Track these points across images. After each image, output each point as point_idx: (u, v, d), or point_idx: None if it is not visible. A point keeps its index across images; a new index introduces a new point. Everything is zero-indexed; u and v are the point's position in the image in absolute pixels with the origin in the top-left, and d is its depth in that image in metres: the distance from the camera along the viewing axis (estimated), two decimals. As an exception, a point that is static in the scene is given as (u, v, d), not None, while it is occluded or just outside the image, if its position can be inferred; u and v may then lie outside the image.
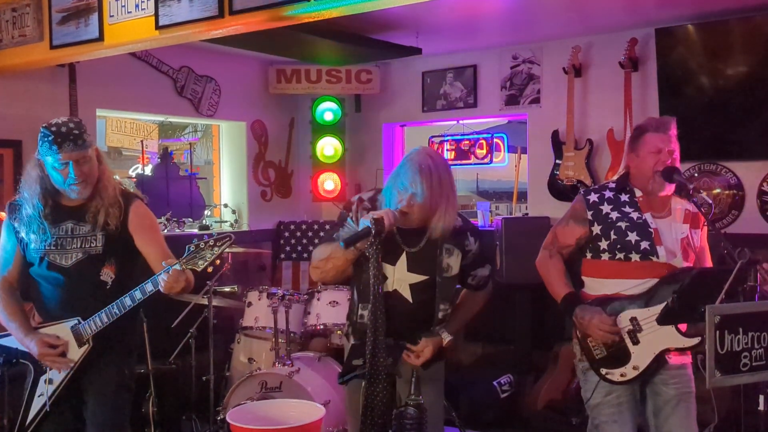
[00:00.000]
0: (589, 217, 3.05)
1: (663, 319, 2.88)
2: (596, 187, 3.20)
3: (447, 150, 6.27)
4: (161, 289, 2.81)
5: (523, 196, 5.95)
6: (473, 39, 5.66)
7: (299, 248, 6.19)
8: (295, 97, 6.50)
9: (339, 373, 3.30)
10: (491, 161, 6.13)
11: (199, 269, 2.75)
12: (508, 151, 6.15)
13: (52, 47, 4.13)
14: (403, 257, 2.96)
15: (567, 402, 4.80)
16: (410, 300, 2.98)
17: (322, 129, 6.35)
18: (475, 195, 10.76)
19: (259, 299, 4.86)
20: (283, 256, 6.23)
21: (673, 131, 3.04)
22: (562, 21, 5.11)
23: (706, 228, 3.10)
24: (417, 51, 5.65)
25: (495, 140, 6.12)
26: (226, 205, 6.28)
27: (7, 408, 3.34)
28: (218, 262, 2.77)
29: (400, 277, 2.97)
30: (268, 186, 6.44)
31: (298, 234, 6.24)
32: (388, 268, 2.95)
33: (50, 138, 2.85)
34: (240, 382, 4.38)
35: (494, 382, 5.30)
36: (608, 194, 3.08)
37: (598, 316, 2.93)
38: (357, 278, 3.02)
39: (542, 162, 5.59)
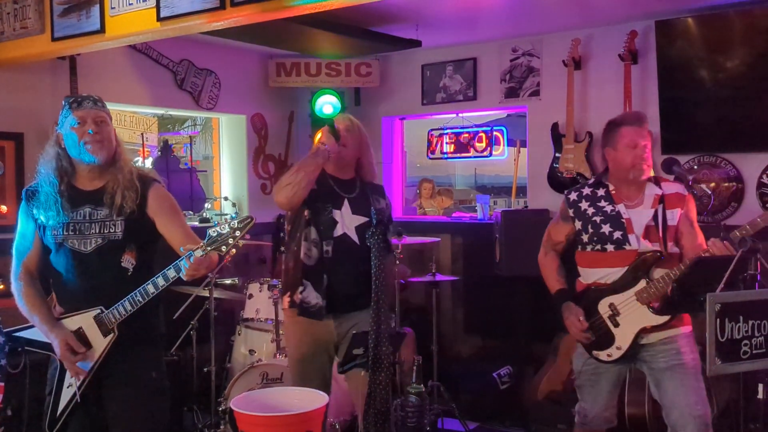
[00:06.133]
0: (571, 215, 3.39)
1: (663, 310, 3.11)
2: (577, 186, 3.49)
3: (446, 143, 6.27)
4: (182, 276, 2.72)
5: (521, 191, 5.96)
6: (473, 31, 5.67)
7: (299, 241, 6.20)
8: (294, 91, 6.51)
9: (339, 362, 3.34)
10: (491, 154, 6.13)
11: (222, 253, 2.66)
12: (508, 145, 6.15)
13: (54, 39, 4.12)
14: (346, 202, 3.42)
15: (567, 393, 4.81)
16: (357, 243, 3.34)
17: (321, 122, 6.30)
18: (474, 189, 10.76)
19: (260, 291, 4.88)
20: (283, 248, 6.21)
21: (646, 124, 3.29)
22: (562, 13, 5.11)
23: (692, 206, 3.32)
24: (417, 44, 5.66)
25: (494, 133, 6.11)
26: (226, 198, 6.29)
27: (13, 400, 3.32)
28: (241, 244, 2.71)
29: (347, 220, 3.38)
30: (268, 179, 6.45)
31: (298, 227, 6.25)
32: (335, 213, 3.38)
33: (70, 100, 2.87)
34: (241, 373, 4.40)
35: (494, 374, 5.33)
36: (586, 191, 3.38)
37: (573, 317, 3.29)
38: (315, 221, 3.39)
39: (542, 155, 5.60)
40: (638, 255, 3.19)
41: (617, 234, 3.22)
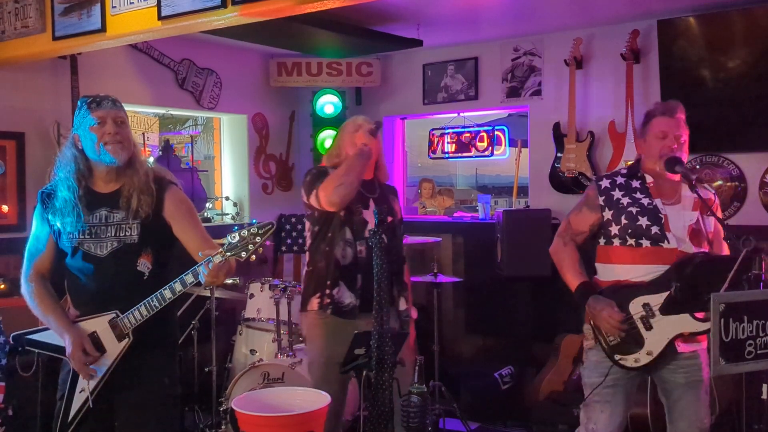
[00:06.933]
0: (601, 203, 3.09)
1: (666, 309, 2.93)
2: (609, 173, 3.22)
3: (448, 143, 6.26)
4: (202, 282, 2.69)
5: (523, 191, 5.95)
6: (474, 31, 5.66)
7: (300, 241, 6.19)
8: (295, 90, 6.50)
9: (340, 362, 3.32)
10: (492, 154, 6.12)
11: (242, 259, 2.62)
12: (509, 145, 6.15)
13: (55, 38, 4.11)
14: (371, 202, 3.53)
15: (568, 393, 4.81)
16: (386, 241, 3.36)
17: (322, 122, 6.33)
18: (475, 189, 10.75)
19: (261, 291, 4.87)
20: (284, 248, 6.23)
21: (680, 115, 3.10)
22: (564, 13, 5.11)
23: (719, 212, 3.12)
24: (418, 43, 5.65)
25: (496, 133, 6.10)
26: (227, 198, 6.29)
27: (14, 400, 3.31)
28: (261, 250, 2.63)
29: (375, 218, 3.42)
30: (269, 179, 6.44)
31: (299, 227, 6.23)
32: (365, 213, 3.48)
33: (88, 100, 2.84)
34: (242, 373, 4.39)
35: (495, 374, 5.32)
36: (620, 180, 3.12)
37: (609, 309, 2.95)
38: (348, 221, 3.46)
39: (543, 154, 5.60)
40: (679, 255, 2.94)
41: (655, 229, 2.97)
